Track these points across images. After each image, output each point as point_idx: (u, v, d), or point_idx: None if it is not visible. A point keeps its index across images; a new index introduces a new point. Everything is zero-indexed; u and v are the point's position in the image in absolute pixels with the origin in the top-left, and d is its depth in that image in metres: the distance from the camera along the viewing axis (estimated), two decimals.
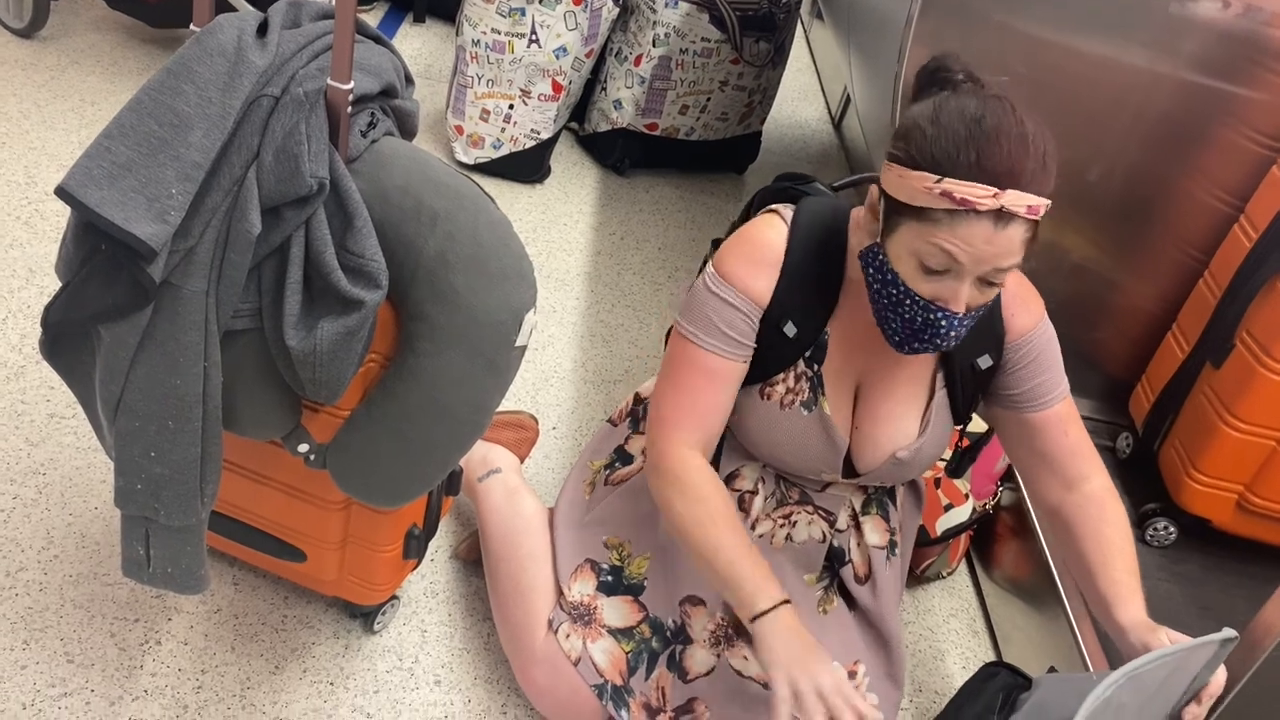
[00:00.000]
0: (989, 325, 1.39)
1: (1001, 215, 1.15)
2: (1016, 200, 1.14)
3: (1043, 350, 1.40)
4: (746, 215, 1.56)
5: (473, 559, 1.79)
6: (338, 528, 1.48)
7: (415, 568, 1.63)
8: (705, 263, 1.62)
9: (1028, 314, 1.40)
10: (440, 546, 1.83)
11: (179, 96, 1.11)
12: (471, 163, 2.94)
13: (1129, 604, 1.27)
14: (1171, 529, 2.01)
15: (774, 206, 1.42)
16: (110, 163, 1.09)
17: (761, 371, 1.40)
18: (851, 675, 1.53)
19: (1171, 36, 1.91)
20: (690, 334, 1.37)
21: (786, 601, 1.26)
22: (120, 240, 1.08)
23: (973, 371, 1.42)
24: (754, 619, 1.25)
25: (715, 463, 1.49)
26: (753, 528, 1.53)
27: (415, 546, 1.54)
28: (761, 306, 1.36)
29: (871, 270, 1.28)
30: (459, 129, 2.92)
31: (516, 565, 1.61)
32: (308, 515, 1.47)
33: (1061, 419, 1.41)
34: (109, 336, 1.16)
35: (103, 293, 1.13)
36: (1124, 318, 2.20)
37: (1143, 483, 2.07)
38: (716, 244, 1.60)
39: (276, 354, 1.21)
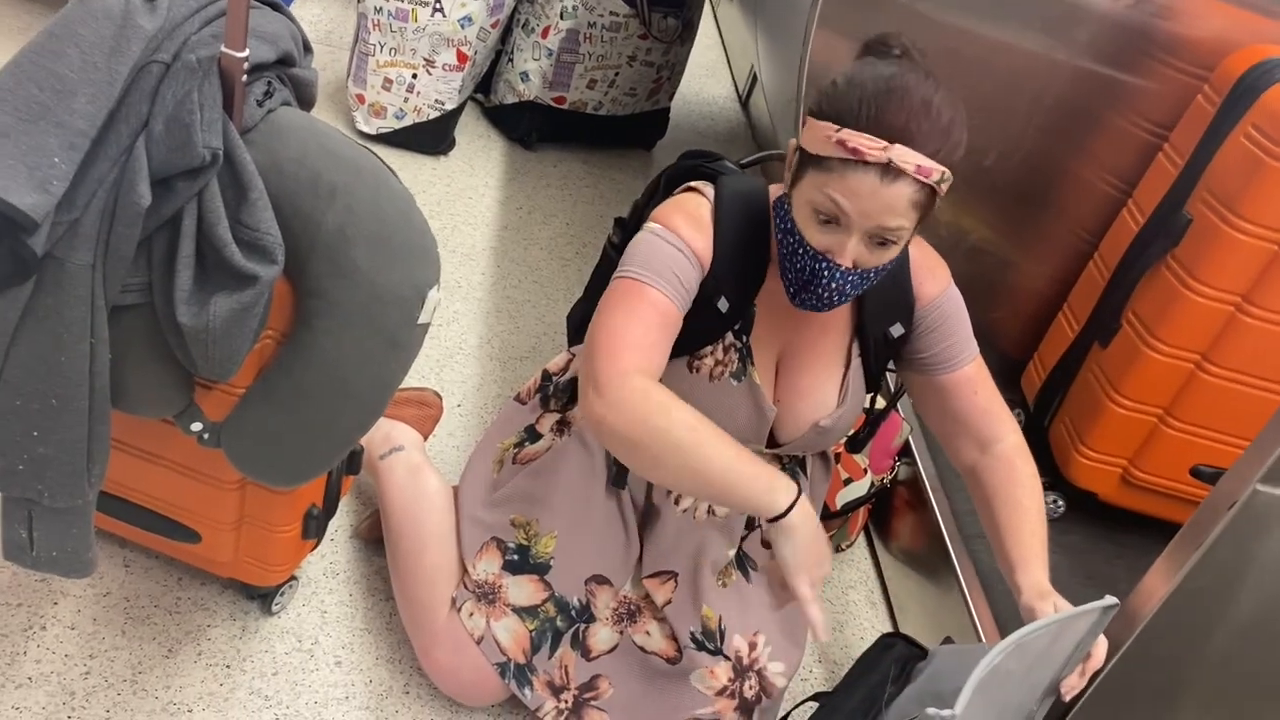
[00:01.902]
0: (900, 295, 1.42)
1: (889, 170, 1.17)
2: (905, 156, 1.17)
3: (950, 315, 1.44)
4: (653, 193, 1.56)
5: (374, 538, 1.76)
6: (233, 508, 1.44)
7: (315, 548, 1.60)
8: (608, 242, 1.62)
9: (934, 281, 1.44)
10: (341, 526, 1.80)
11: (61, 60, 1.05)
12: (373, 133, 2.88)
13: (1029, 567, 1.31)
14: (1060, 502, 2.09)
15: (693, 185, 1.42)
16: None
17: (690, 344, 1.40)
18: (752, 646, 1.56)
19: (1068, 24, 1.96)
20: (638, 274, 1.31)
21: (800, 495, 1.24)
22: None
23: (886, 341, 1.45)
24: (775, 520, 1.23)
25: None
26: (676, 502, 1.55)
27: (314, 526, 1.51)
28: (703, 268, 1.35)
29: (778, 220, 1.31)
30: (360, 98, 2.85)
31: (419, 544, 1.60)
32: (201, 495, 1.43)
33: (970, 380, 1.45)
34: None
35: None
36: (1018, 298, 2.27)
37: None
38: (619, 222, 1.60)
39: (167, 330, 1.17)
